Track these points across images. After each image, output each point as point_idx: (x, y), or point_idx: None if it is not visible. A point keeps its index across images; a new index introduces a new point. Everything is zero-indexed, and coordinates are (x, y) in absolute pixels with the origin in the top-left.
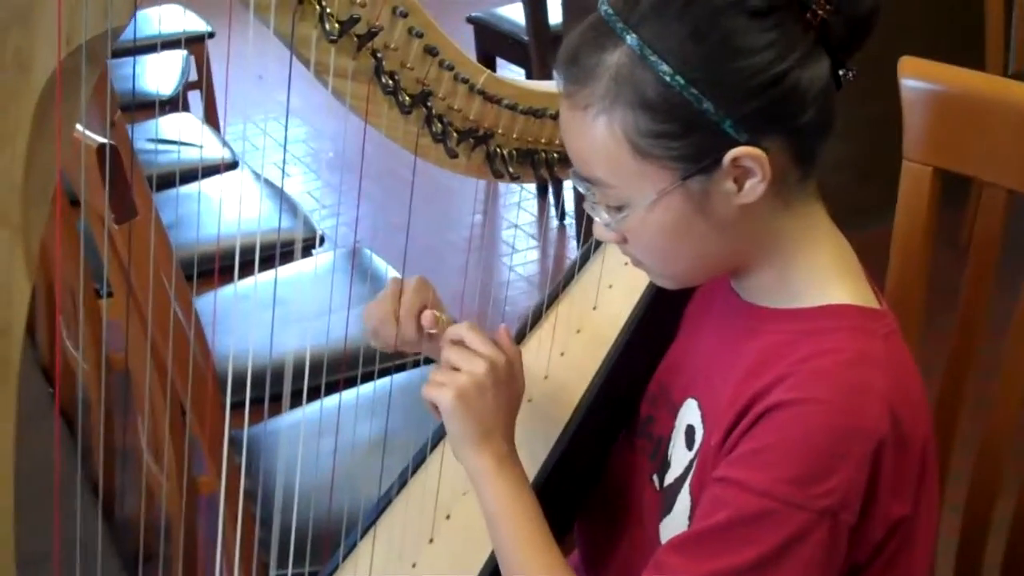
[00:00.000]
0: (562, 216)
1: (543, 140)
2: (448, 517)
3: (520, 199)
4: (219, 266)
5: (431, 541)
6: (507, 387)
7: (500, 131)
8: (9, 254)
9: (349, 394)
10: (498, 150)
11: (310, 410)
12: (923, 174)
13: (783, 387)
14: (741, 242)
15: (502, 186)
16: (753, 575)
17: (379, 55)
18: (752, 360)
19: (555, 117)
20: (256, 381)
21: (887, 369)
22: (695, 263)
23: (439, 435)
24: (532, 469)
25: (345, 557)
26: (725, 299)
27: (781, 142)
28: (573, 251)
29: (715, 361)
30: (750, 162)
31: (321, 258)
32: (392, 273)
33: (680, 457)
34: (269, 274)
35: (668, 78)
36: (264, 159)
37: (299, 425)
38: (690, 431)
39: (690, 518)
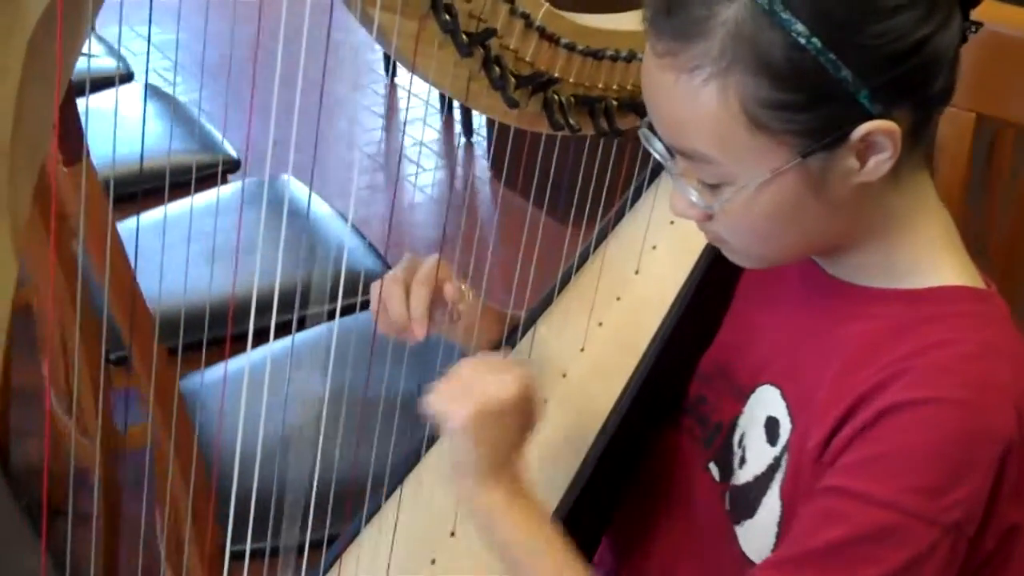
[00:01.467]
0: (469, 133)
1: (600, 85)
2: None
3: (425, 114)
4: (115, 195)
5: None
6: (528, 417)
7: (559, 75)
8: None
9: (288, 341)
10: (555, 97)
11: (255, 356)
12: (966, 120)
13: (900, 385)
14: (849, 221)
15: (401, 99)
16: None
17: None
18: (854, 349)
19: (615, 59)
20: (189, 325)
21: (1010, 360)
22: (795, 245)
23: None
24: (574, 458)
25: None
26: (806, 274)
27: (907, 112)
28: (483, 171)
29: (800, 345)
30: (882, 137)
31: (231, 187)
32: (318, 202)
33: (759, 452)
34: (180, 204)
35: (803, 40)
36: (148, 68)
37: (243, 374)
38: (772, 424)
39: (779, 525)
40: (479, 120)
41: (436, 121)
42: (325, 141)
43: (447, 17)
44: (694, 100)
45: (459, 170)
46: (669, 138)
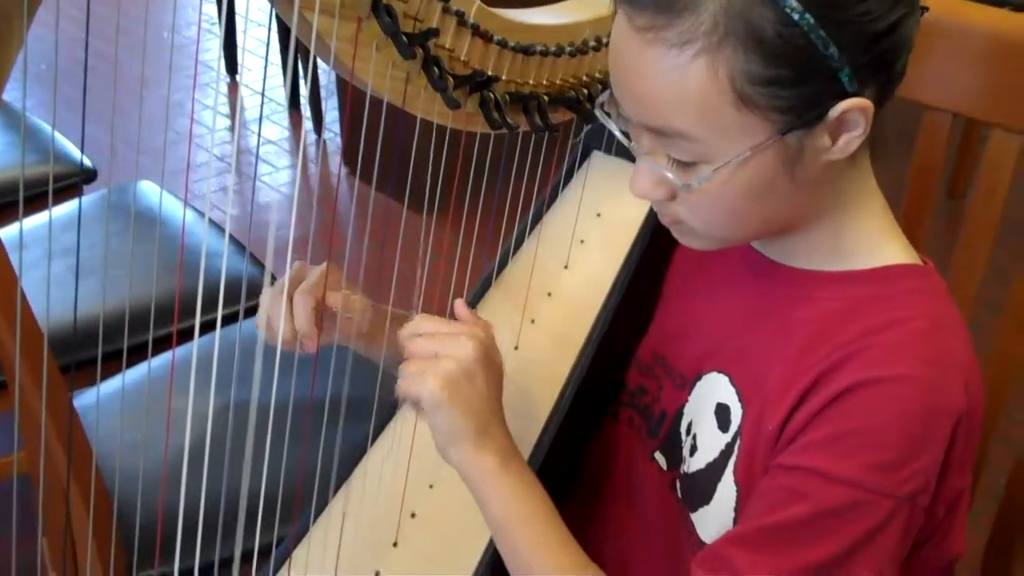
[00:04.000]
0: (320, 129)
1: (531, 81)
2: (413, 515)
3: (271, 111)
4: None
5: (395, 544)
6: (496, 367)
7: (493, 72)
8: None
9: (168, 355)
10: (491, 95)
11: (133, 375)
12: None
13: (857, 364)
14: (809, 200)
15: (245, 97)
16: (834, 568)
17: None
18: (806, 332)
19: (544, 54)
20: (60, 345)
21: (956, 334)
22: (758, 225)
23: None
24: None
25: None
26: (746, 260)
27: (872, 92)
28: (336, 167)
29: (748, 331)
30: (857, 115)
31: (91, 197)
32: (181, 209)
33: (711, 439)
34: (36, 219)
35: (796, 15)
36: None
37: (120, 394)
38: (722, 410)
39: (735, 509)
40: (331, 116)
41: (283, 119)
42: (172, 144)
43: (388, 18)
44: (680, 76)
45: (313, 168)
46: (643, 116)
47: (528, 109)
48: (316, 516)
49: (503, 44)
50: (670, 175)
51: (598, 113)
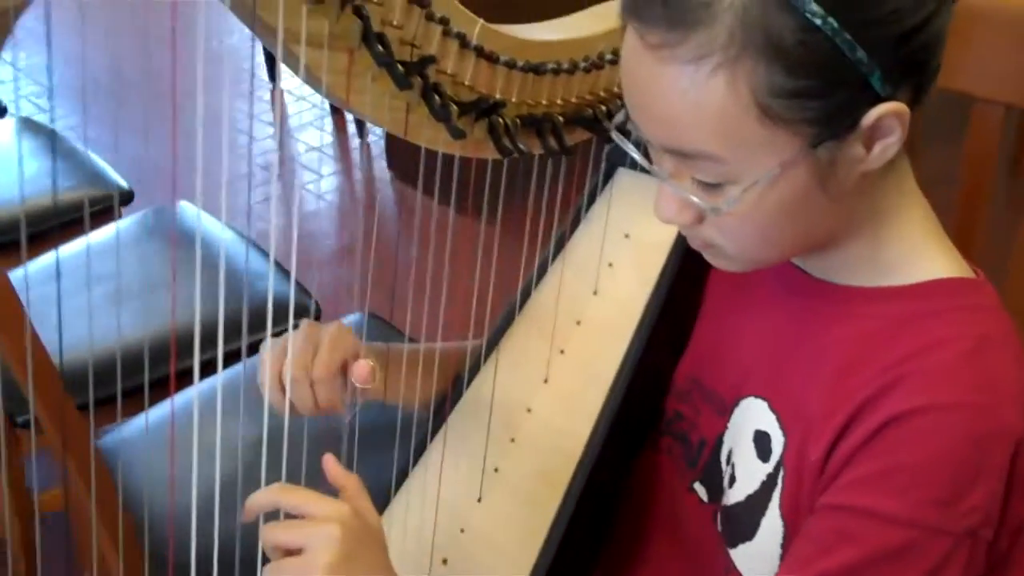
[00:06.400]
0: (363, 133)
1: (544, 102)
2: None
3: (319, 117)
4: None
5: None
6: (370, 535)
7: (500, 97)
8: None
9: (210, 382)
10: (500, 120)
11: (177, 404)
12: None
13: (902, 391)
14: (845, 214)
15: (290, 104)
16: None
17: (364, 12)
18: (846, 353)
19: (557, 72)
20: (100, 377)
21: (1008, 352)
22: (793, 244)
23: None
24: (552, 498)
25: None
26: (783, 277)
27: (907, 94)
28: (381, 171)
29: (784, 352)
30: (892, 120)
31: (128, 219)
32: (222, 230)
33: (750, 470)
34: (73, 246)
35: (819, 20)
36: (17, 96)
37: (166, 424)
38: (762, 438)
39: (783, 547)
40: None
41: (328, 124)
42: (216, 157)
43: (380, 48)
44: (698, 94)
45: (358, 173)
46: (662, 138)
47: (542, 132)
48: None
49: (511, 65)
50: (695, 199)
51: (615, 136)
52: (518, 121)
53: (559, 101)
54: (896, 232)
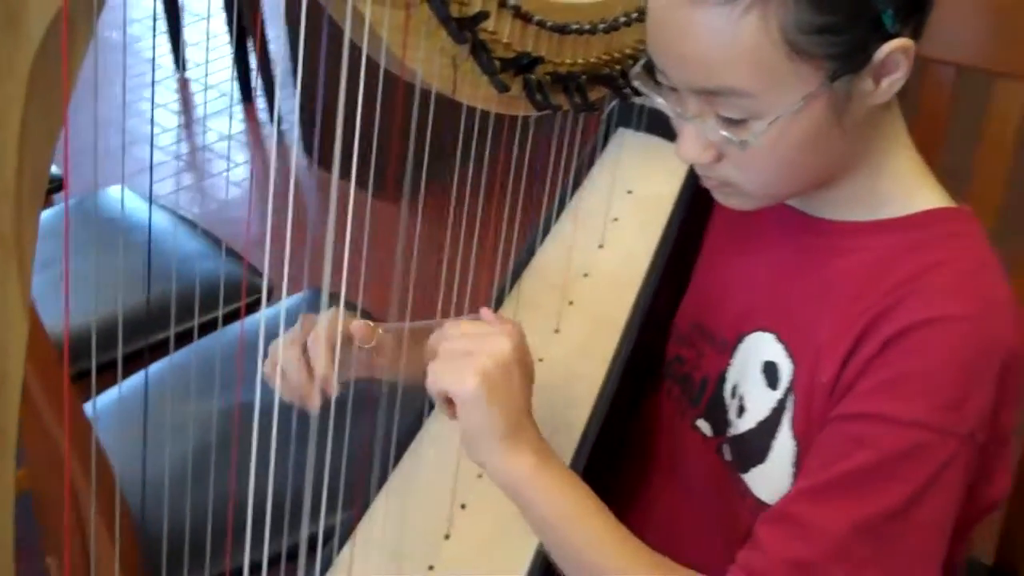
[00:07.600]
0: (279, 120)
1: (568, 61)
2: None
3: (225, 106)
4: None
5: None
6: (528, 368)
7: (535, 54)
8: (2, 277)
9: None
10: (534, 77)
11: (131, 384)
12: None
13: (909, 306)
14: (852, 148)
15: (197, 95)
16: (906, 512)
17: None
18: (851, 282)
19: (580, 32)
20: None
21: (998, 273)
22: (810, 177)
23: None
24: (567, 445)
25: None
26: (781, 219)
27: (909, 31)
28: (298, 157)
29: (788, 288)
30: (900, 56)
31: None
32: (158, 213)
33: (760, 398)
34: None
35: None
36: None
37: (125, 402)
38: (770, 368)
39: (795, 464)
40: (286, 107)
41: (238, 112)
42: (128, 146)
43: (440, 3)
44: (732, 33)
45: (273, 161)
46: (693, 78)
47: (568, 89)
48: (360, 515)
49: (542, 24)
50: (725, 133)
51: (637, 83)
52: (548, 78)
53: (580, 60)
54: (890, 168)
